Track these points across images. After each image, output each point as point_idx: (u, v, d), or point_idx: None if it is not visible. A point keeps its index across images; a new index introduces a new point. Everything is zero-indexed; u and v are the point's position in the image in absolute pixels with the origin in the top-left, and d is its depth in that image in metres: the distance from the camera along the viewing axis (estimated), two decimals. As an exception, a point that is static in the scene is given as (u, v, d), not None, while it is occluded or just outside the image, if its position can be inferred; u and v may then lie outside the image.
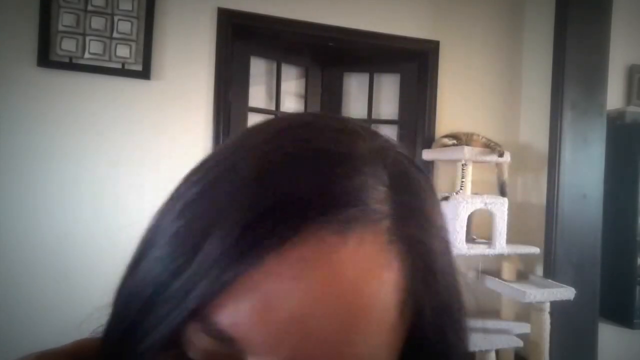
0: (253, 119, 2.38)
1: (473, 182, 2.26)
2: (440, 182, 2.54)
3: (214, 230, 0.23)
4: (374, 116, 2.68)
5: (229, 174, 0.25)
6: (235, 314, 0.22)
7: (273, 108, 2.51)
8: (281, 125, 0.29)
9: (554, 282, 2.18)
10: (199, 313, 0.22)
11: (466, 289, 0.30)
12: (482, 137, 2.30)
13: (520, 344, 2.08)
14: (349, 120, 0.31)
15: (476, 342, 2.00)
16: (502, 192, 2.29)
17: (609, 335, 2.42)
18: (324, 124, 0.29)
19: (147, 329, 0.24)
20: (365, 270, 0.23)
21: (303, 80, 2.64)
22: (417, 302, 0.25)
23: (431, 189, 0.29)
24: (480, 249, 2.14)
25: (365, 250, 0.23)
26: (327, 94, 2.67)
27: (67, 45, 1.97)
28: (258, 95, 2.48)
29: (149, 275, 0.25)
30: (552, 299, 2.06)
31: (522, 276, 2.31)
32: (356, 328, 0.23)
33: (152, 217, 0.29)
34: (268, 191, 0.23)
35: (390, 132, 2.68)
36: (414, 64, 2.61)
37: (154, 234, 0.27)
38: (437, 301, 0.26)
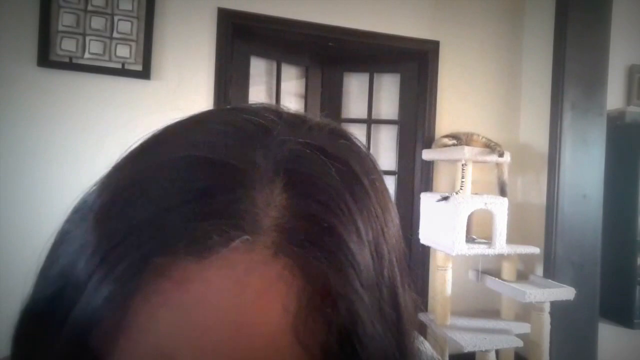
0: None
1: (473, 182, 2.26)
2: (440, 182, 2.54)
3: (75, 263, 0.23)
4: (374, 116, 2.68)
5: (97, 197, 0.25)
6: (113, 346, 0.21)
7: (273, 108, 2.50)
8: (154, 133, 0.28)
9: (554, 282, 2.18)
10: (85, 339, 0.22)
11: (401, 284, 0.26)
12: (482, 137, 2.29)
13: (520, 344, 2.08)
14: (255, 112, 0.27)
15: (476, 342, 2.00)
16: (502, 192, 2.29)
17: (609, 335, 2.42)
18: (211, 126, 0.26)
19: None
20: (236, 298, 0.20)
21: (303, 80, 2.64)
22: (324, 320, 0.22)
23: (346, 188, 0.24)
24: (480, 249, 2.13)
25: (236, 274, 0.21)
26: (327, 94, 2.67)
27: (67, 45, 1.97)
28: (258, 95, 2.47)
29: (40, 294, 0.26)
30: (552, 299, 2.06)
31: (522, 276, 2.32)
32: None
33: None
34: (123, 221, 0.22)
35: (390, 132, 2.69)
36: (414, 64, 2.61)
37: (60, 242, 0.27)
38: (346, 317, 0.22)
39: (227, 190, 0.21)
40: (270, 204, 0.22)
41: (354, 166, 0.26)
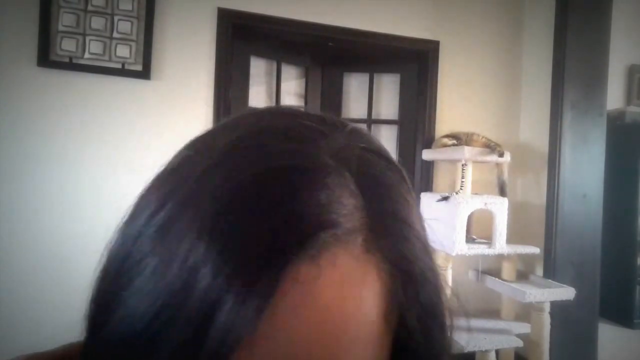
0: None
1: (473, 182, 2.26)
2: (440, 182, 2.54)
3: (193, 279, 0.22)
4: (374, 116, 2.68)
5: (186, 212, 0.24)
6: None
7: (273, 108, 2.50)
8: (229, 142, 0.27)
9: (554, 282, 2.18)
10: None
11: (446, 286, 0.29)
12: (482, 137, 2.30)
13: (520, 344, 2.08)
14: (306, 115, 0.29)
15: (476, 342, 2.00)
16: (502, 192, 2.29)
17: (609, 335, 2.42)
18: (277, 131, 0.27)
19: None
20: (344, 292, 0.23)
21: (303, 80, 2.64)
22: (401, 308, 0.25)
23: (403, 184, 0.28)
24: (480, 249, 2.13)
25: (340, 271, 0.23)
26: (327, 94, 2.67)
27: (67, 45, 1.97)
28: (258, 95, 2.48)
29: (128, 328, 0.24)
30: (552, 299, 2.06)
31: (522, 276, 2.32)
32: (344, 349, 0.23)
33: (114, 240, 0.28)
34: (237, 232, 0.22)
35: (390, 132, 2.69)
36: (414, 64, 2.61)
37: (125, 268, 0.25)
38: (419, 304, 0.26)
39: (316, 195, 0.23)
40: (353, 205, 0.24)
41: (400, 167, 0.29)
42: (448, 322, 0.29)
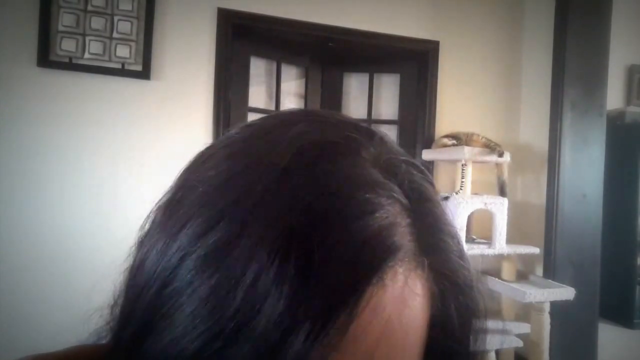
0: (253, 119, 2.38)
1: (473, 182, 2.26)
2: (440, 182, 2.54)
3: (264, 300, 0.21)
4: (374, 116, 2.68)
5: (248, 230, 0.23)
6: None
7: (273, 108, 2.51)
8: (283, 154, 0.26)
9: (554, 282, 2.18)
10: None
11: (484, 292, 0.31)
12: (482, 137, 2.29)
13: (520, 344, 2.08)
14: (344, 124, 0.29)
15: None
16: (502, 192, 2.29)
17: (609, 335, 2.42)
18: (330, 146, 0.27)
19: None
20: (401, 306, 0.25)
21: (303, 80, 2.64)
22: (444, 314, 0.27)
23: (437, 193, 0.30)
24: (480, 249, 2.13)
25: (398, 284, 0.24)
26: (327, 94, 2.67)
27: (67, 46, 1.97)
28: (258, 96, 2.48)
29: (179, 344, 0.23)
30: (552, 299, 2.06)
31: (522, 276, 2.31)
32: (402, 352, 0.25)
33: (147, 253, 0.27)
34: (312, 255, 0.22)
35: (390, 132, 2.68)
36: (414, 64, 2.61)
37: (166, 285, 0.25)
38: (460, 311, 0.28)
39: (379, 219, 0.24)
40: (407, 223, 0.25)
41: (429, 174, 0.31)
42: (482, 327, 0.30)
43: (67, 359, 0.31)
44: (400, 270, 0.24)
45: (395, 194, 0.26)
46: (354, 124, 0.30)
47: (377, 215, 0.24)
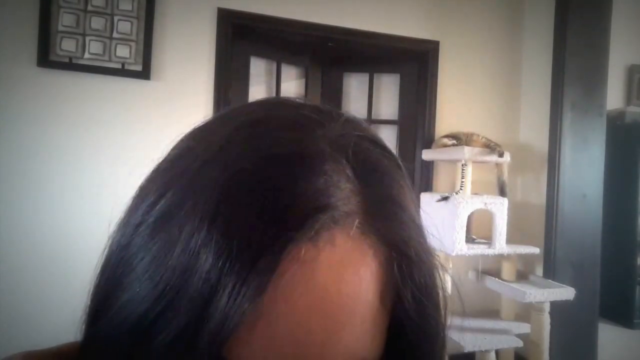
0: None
1: (473, 182, 2.26)
2: (440, 182, 2.54)
3: (194, 263, 0.22)
4: (374, 116, 2.68)
5: (189, 198, 0.24)
6: (244, 347, 0.23)
7: (273, 108, 2.50)
8: (229, 131, 0.28)
9: (554, 282, 2.18)
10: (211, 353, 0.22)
11: (441, 268, 0.30)
12: (482, 137, 2.29)
13: (520, 344, 2.08)
14: (302, 105, 0.30)
15: (476, 342, 2.00)
16: (502, 192, 2.29)
17: (609, 335, 2.42)
18: (275, 121, 0.28)
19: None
20: (340, 270, 0.24)
21: (303, 80, 2.64)
22: (397, 288, 0.26)
23: (397, 171, 0.29)
24: (480, 249, 2.13)
25: (338, 250, 0.24)
26: (327, 94, 2.67)
27: (67, 45, 1.97)
28: (258, 96, 2.47)
29: (131, 314, 0.24)
30: (552, 299, 2.06)
31: (522, 276, 2.31)
32: (341, 325, 0.24)
33: (115, 232, 0.29)
34: (238, 215, 0.23)
35: (390, 132, 2.68)
36: (414, 64, 2.61)
37: (125, 256, 0.26)
38: (414, 285, 0.27)
39: (315, 181, 0.24)
40: (349, 189, 0.25)
41: (396, 156, 0.31)
42: (440, 303, 0.29)
43: (58, 356, 0.31)
44: (339, 234, 0.24)
45: (341, 165, 0.26)
46: (316, 107, 0.30)
47: (312, 178, 0.24)
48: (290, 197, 0.24)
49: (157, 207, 0.26)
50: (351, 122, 0.30)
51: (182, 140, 0.30)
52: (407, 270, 0.27)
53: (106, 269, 0.28)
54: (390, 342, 0.27)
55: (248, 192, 0.24)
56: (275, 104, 0.31)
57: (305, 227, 0.23)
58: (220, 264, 0.22)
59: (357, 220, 0.25)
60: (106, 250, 0.29)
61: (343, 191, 0.25)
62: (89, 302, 0.29)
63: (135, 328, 0.24)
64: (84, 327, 0.28)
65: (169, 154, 0.30)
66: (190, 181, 0.25)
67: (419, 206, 0.30)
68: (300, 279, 0.23)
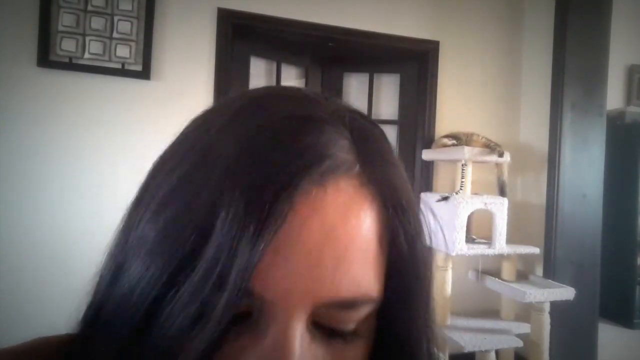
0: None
1: (473, 182, 2.26)
2: (440, 182, 2.54)
3: (218, 211, 0.25)
4: (374, 116, 2.68)
5: (208, 158, 0.28)
6: (267, 278, 0.25)
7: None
8: (241, 103, 0.32)
9: (554, 282, 2.18)
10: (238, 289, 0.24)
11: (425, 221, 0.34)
12: (482, 137, 2.30)
13: (520, 344, 2.08)
14: (302, 89, 0.34)
15: (476, 342, 2.00)
16: (502, 192, 2.29)
17: (609, 335, 2.42)
18: (277, 97, 0.32)
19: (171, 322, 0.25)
20: (345, 211, 0.28)
21: (303, 81, 2.64)
22: (392, 232, 0.30)
23: (385, 139, 0.34)
24: (480, 249, 2.14)
25: (342, 194, 0.28)
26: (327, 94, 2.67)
27: (67, 46, 1.97)
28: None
29: (145, 276, 0.26)
30: (552, 299, 2.06)
31: (522, 276, 2.32)
32: (349, 258, 0.27)
33: (127, 214, 0.32)
34: (256, 165, 0.26)
35: (390, 132, 2.68)
36: (414, 64, 2.61)
37: (138, 229, 0.29)
38: (408, 228, 0.31)
39: (318, 136, 0.28)
40: (348, 146, 0.29)
41: (382, 131, 0.34)
42: (427, 245, 0.33)
43: (26, 352, 0.31)
44: (343, 181, 0.28)
45: (339, 129, 0.30)
46: (312, 90, 0.34)
47: (317, 135, 0.28)
48: (299, 148, 0.27)
49: (179, 169, 0.28)
50: (346, 103, 0.34)
51: (194, 120, 0.34)
52: (400, 216, 0.30)
53: (109, 264, 0.30)
54: (387, 286, 0.30)
55: (262, 148, 0.27)
56: (276, 87, 0.36)
57: (312, 170, 0.26)
58: (246, 201, 0.25)
59: (356, 171, 0.29)
60: (108, 253, 0.31)
61: (343, 147, 0.29)
62: (102, 271, 0.31)
63: (157, 280, 0.26)
64: (84, 313, 0.30)
65: (182, 132, 0.33)
66: (210, 143, 0.29)
67: (403, 167, 0.34)
68: (312, 215, 0.26)
